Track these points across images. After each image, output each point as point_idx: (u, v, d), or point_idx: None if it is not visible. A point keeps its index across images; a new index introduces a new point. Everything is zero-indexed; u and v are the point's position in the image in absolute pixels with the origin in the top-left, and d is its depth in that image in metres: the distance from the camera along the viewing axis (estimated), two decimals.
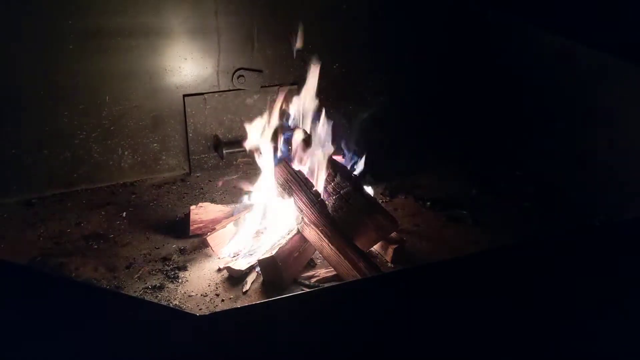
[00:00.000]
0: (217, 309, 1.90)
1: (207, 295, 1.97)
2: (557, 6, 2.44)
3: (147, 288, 1.99)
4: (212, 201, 2.48)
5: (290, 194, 2.07)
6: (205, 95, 2.67)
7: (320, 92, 2.40)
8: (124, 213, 2.42)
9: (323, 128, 2.30)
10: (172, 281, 2.03)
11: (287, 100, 2.42)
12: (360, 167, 2.41)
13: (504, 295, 1.35)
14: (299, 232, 2.05)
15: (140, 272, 2.07)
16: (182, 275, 2.06)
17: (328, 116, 2.36)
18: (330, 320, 1.24)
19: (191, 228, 2.26)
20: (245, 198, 2.34)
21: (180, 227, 2.31)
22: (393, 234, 2.18)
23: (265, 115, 2.36)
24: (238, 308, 1.78)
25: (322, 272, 2.08)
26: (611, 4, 2.26)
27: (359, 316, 1.26)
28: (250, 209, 2.25)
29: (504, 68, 2.84)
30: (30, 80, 2.37)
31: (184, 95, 2.63)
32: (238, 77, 2.68)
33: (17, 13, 2.26)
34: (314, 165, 2.20)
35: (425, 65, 3.02)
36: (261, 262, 1.99)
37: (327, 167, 2.17)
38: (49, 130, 2.45)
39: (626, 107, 2.29)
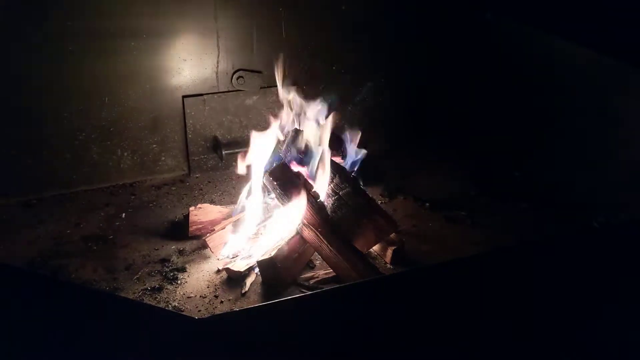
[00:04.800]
0: (216, 311, 1.90)
1: (206, 297, 1.97)
2: (558, 7, 2.44)
3: (146, 289, 1.98)
4: (212, 202, 2.49)
5: (289, 195, 2.07)
6: (205, 96, 2.67)
7: (319, 93, 2.40)
8: (123, 214, 2.42)
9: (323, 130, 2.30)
10: (171, 282, 2.03)
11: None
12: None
13: (503, 296, 1.35)
14: (298, 233, 2.05)
15: (140, 273, 2.07)
16: (181, 277, 2.06)
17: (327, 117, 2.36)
18: (329, 322, 1.24)
19: (190, 229, 2.26)
20: (244, 199, 2.34)
21: (179, 228, 2.31)
22: (392, 235, 2.18)
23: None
24: (237, 311, 1.79)
25: (321, 273, 2.08)
26: (613, 4, 2.26)
27: (358, 318, 1.26)
28: (249, 210, 2.25)
29: (503, 69, 2.83)
30: (29, 81, 2.37)
31: (184, 96, 2.63)
32: (237, 78, 2.68)
33: (17, 14, 2.26)
34: (313, 167, 2.20)
35: (425, 66, 3.02)
36: (260, 264, 1.99)
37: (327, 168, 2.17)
38: (48, 131, 2.46)
39: (625, 107, 2.29)
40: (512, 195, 2.61)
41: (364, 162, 2.44)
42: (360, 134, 2.43)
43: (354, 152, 2.42)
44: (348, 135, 2.43)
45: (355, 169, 2.41)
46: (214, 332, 1.18)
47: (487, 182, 2.73)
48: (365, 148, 2.44)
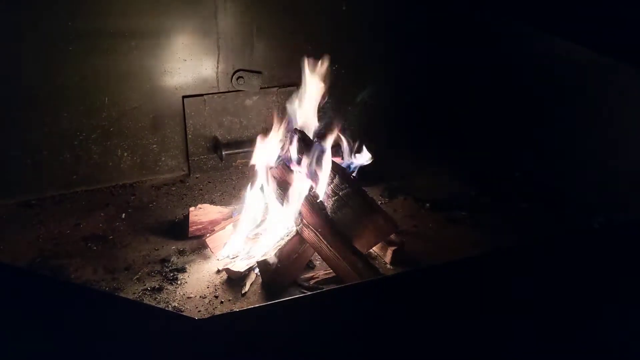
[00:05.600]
0: (216, 311, 1.90)
1: (205, 297, 1.97)
2: (557, 7, 2.44)
3: (146, 290, 1.98)
4: (212, 202, 2.49)
5: (288, 196, 2.07)
6: (205, 97, 2.67)
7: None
8: (123, 214, 2.42)
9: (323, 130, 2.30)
10: (171, 283, 2.03)
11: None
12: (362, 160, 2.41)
13: (503, 297, 1.35)
14: (298, 233, 2.05)
15: (139, 273, 2.07)
16: (181, 277, 2.06)
17: (328, 118, 2.36)
18: (329, 323, 1.24)
19: (190, 229, 2.26)
20: (244, 199, 2.33)
21: (179, 228, 2.31)
22: (392, 236, 2.18)
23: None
24: (237, 311, 1.79)
25: (321, 273, 2.08)
26: (610, 4, 2.26)
27: (358, 319, 1.26)
28: (250, 211, 2.25)
29: (503, 69, 2.83)
30: (30, 82, 2.37)
31: (184, 97, 2.63)
32: (237, 79, 2.68)
33: (18, 14, 2.26)
34: (313, 167, 2.19)
35: (425, 65, 3.02)
36: (260, 264, 1.99)
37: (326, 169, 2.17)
38: (48, 132, 2.46)
39: (626, 107, 2.29)
40: (512, 195, 2.61)
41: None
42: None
43: (356, 154, 2.43)
44: (348, 136, 2.43)
45: (355, 170, 2.41)
46: (213, 333, 1.18)
47: (487, 182, 2.73)
48: (367, 151, 2.44)
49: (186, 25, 2.53)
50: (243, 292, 1.99)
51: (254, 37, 2.66)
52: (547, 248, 1.55)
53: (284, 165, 2.18)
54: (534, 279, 1.40)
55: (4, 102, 2.35)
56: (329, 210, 2.09)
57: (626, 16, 2.18)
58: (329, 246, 1.96)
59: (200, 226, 2.26)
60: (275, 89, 2.76)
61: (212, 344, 1.15)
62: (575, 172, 2.52)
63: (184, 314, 1.85)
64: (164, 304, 1.92)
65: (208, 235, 2.19)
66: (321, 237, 1.97)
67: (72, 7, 2.32)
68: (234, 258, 2.13)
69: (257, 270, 2.05)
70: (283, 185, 2.11)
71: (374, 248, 2.19)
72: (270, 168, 2.19)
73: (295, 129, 2.31)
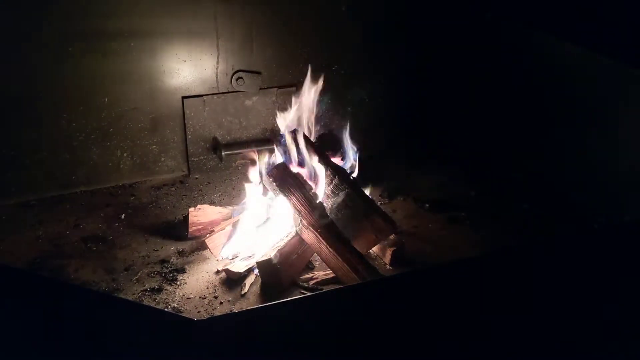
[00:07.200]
0: (216, 312, 1.89)
1: (205, 298, 1.97)
2: (558, 8, 2.44)
3: (146, 290, 1.98)
4: (211, 203, 2.48)
5: (288, 196, 2.07)
6: (204, 97, 2.66)
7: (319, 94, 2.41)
8: (123, 215, 2.42)
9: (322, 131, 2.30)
10: (170, 283, 2.02)
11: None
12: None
13: (503, 298, 1.34)
14: (297, 234, 2.05)
15: (139, 274, 2.07)
16: (181, 278, 2.06)
17: (327, 118, 2.37)
18: (329, 324, 1.24)
19: (190, 230, 2.26)
20: (244, 200, 2.33)
21: (179, 229, 2.31)
22: (392, 236, 2.18)
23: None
24: (236, 312, 1.78)
25: (320, 274, 2.08)
26: (611, 5, 2.26)
27: (357, 319, 1.26)
28: (249, 211, 2.25)
29: (502, 69, 2.83)
30: (29, 82, 2.37)
31: (183, 97, 2.63)
32: (237, 79, 2.68)
33: (17, 15, 2.26)
34: (313, 168, 2.20)
35: (425, 66, 3.02)
36: (259, 265, 1.99)
37: (326, 169, 2.17)
38: (47, 132, 2.45)
39: (626, 107, 2.29)
40: (512, 196, 2.61)
41: (363, 162, 2.44)
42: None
43: (351, 153, 2.43)
44: (347, 136, 2.43)
45: (355, 170, 2.41)
46: (213, 334, 1.17)
47: (487, 182, 2.73)
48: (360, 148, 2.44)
49: (186, 25, 2.53)
50: (242, 292, 1.99)
51: (253, 38, 2.66)
52: (547, 248, 1.55)
53: (284, 165, 2.17)
54: (534, 279, 1.40)
55: (4, 102, 2.35)
56: (328, 211, 2.09)
57: (626, 16, 2.18)
58: (328, 247, 1.96)
59: (200, 227, 2.26)
60: (274, 89, 2.76)
61: (211, 345, 1.15)
62: (575, 172, 2.52)
63: (183, 314, 1.85)
64: (164, 305, 1.92)
65: (208, 235, 2.19)
66: (320, 238, 1.97)
67: (71, 8, 2.32)
68: (233, 259, 2.13)
69: (256, 270, 2.04)
70: (282, 186, 2.10)
71: (373, 249, 2.18)
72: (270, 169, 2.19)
73: (295, 129, 2.31)
